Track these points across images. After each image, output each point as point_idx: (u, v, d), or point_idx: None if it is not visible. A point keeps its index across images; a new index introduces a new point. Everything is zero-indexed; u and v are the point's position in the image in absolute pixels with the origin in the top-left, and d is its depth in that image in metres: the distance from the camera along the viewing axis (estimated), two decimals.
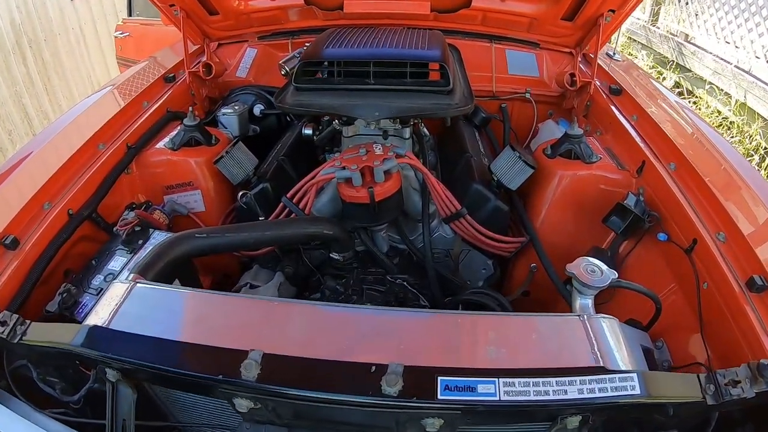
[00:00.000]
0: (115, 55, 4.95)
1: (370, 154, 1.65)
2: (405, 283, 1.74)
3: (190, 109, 2.02)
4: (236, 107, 2.31)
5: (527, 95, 2.51)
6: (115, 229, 1.71)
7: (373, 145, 1.71)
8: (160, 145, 2.03)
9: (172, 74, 2.41)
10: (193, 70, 2.39)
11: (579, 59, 2.41)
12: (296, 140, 2.14)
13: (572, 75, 2.28)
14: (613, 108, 2.17)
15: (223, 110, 2.29)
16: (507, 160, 1.78)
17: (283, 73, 2.25)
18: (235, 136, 2.28)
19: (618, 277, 1.30)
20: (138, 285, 1.25)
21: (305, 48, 2.30)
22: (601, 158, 1.87)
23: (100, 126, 1.95)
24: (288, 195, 1.79)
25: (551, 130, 2.40)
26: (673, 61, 6.38)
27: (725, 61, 5.49)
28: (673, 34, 6.59)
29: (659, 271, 1.64)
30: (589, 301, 1.32)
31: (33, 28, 5.03)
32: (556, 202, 1.83)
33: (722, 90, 5.47)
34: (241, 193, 1.83)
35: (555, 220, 1.84)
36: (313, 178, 1.76)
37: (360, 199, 1.63)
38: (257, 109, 2.41)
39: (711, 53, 5.77)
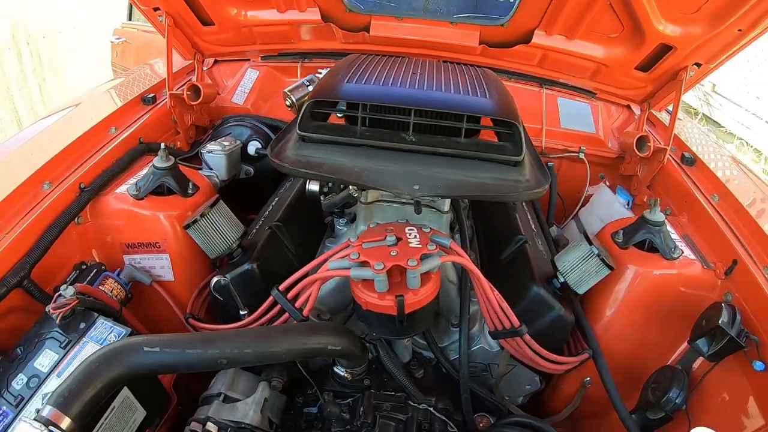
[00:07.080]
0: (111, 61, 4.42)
1: (403, 246, 1.18)
2: (431, 408, 1.32)
3: (162, 146, 1.55)
4: (226, 144, 1.87)
5: (581, 155, 2.08)
6: (48, 308, 1.27)
7: (405, 228, 1.25)
8: (123, 189, 1.58)
9: (152, 94, 1.97)
10: (176, 92, 1.95)
11: (645, 118, 2.02)
12: (297, 197, 1.70)
13: (643, 139, 1.87)
14: (688, 183, 1.78)
15: (209, 146, 1.86)
16: (580, 255, 1.38)
17: (288, 103, 1.90)
18: (222, 180, 1.84)
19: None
20: None
21: (317, 77, 1.89)
22: (683, 253, 1.51)
23: (48, 158, 1.52)
24: (280, 287, 1.33)
25: (607, 201, 2.05)
26: (700, 113, 6.05)
27: (756, 116, 5.17)
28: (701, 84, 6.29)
29: (747, 403, 1.31)
30: None
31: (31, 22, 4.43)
32: (626, 304, 1.49)
33: (752, 146, 5.14)
34: (214, 278, 1.38)
35: (620, 326, 1.51)
36: (316, 267, 1.29)
37: (384, 310, 1.17)
38: (252, 147, 1.98)
39: (741, 106, 5.45)
